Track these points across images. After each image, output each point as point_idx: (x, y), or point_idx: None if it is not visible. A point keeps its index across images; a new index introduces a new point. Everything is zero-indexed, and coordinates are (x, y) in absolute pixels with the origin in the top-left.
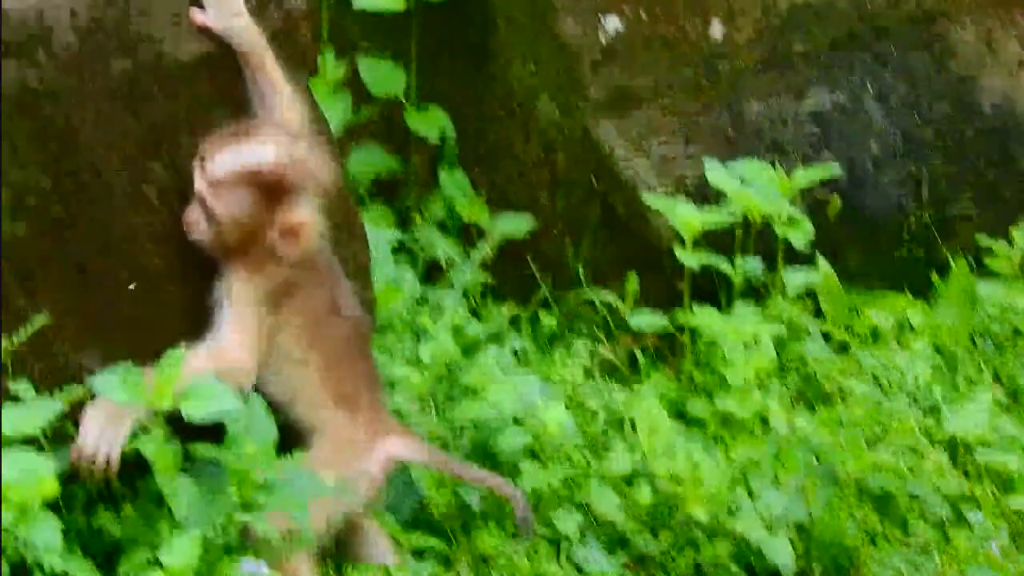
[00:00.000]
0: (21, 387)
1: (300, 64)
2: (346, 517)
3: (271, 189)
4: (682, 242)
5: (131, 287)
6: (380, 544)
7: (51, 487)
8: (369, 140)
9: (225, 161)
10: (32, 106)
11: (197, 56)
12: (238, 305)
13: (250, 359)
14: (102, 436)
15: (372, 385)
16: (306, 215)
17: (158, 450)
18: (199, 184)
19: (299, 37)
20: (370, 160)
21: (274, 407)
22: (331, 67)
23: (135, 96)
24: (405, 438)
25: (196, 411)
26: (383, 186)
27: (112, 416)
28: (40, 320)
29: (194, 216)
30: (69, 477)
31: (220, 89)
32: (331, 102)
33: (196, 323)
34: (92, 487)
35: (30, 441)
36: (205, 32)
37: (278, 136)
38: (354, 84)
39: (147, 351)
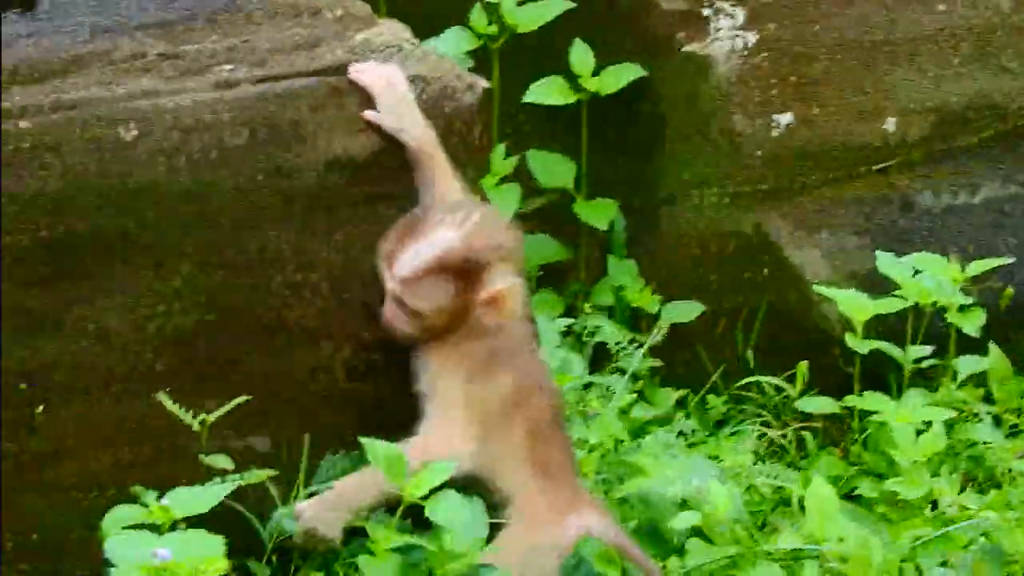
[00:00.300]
0: (218, 461)
1: (471, 158)
2: None
3: (464, 271)
4: (852, 329)
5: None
6: None
7: (221, 566)
8: (539, 230)
9: (411, 257)
10: (201, 199)
11: (369, 152)
12: (446, 395)
13: (461, 448)
14: (324, 517)
15: (569, 457)
16: (505, 282)
17: (381, 531)
18: (391, 284)
19: (470, 132)
20: (539, 249)
21: (472, 479)
22: (501, 159)
23: (300, 191)
24: (598, 512)
25: (437, 514)
26: (552, 274)
27: (335, 501)
28: (237, 401)
29: (393, 313)
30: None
31: (391, 184)
32: (501, 193)
33: (361, 411)
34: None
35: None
36: (376, 129)
37: (455, 218)
38: (524, 175)
39: (318, 437)
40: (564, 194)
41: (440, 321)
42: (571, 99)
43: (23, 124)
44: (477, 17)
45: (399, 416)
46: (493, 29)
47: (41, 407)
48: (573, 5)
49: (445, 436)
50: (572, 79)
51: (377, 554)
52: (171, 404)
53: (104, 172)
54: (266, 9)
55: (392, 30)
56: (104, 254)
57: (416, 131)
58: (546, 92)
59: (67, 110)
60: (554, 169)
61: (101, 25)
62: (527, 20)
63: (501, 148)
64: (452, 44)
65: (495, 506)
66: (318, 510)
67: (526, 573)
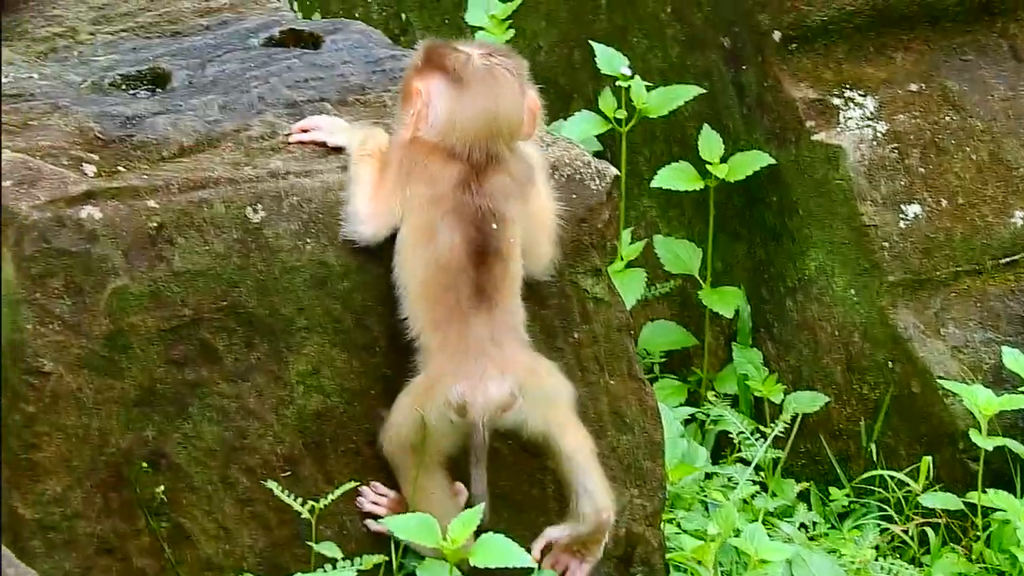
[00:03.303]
0: (326, 549)
1: (600, 244)
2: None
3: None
4: (977, 425)
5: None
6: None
7: None
8: (663, 316)
9: None
10: (328, 282)
11: None
12: None
13: None
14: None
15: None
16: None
17: None
18: None
19: (598, 218)
20: (663, 335)
21: None
22: (627, 244)
23: None
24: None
25: (485, 562)
26: (676, 361)
27: None
28: (347, 486)
29: None
30: None
31: None
32: (626, 278)
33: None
34: None
35: None
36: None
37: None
38: (650, 260)
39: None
40: (690, 280)
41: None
42: (698, 185)
43: (152, 203)
44: (606, 101)
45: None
46: (622, 113)
47: (162, 488)
48: (703, 91)
49: None
50: (700, 165)
51: None
52: (280, 491)
53: (231, 253)
54: (393, 92)
55: None
56: (230, 336)
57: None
58: (674, 178)
59: (196, 190)
60: (680, 255)
61: (232, 105)
62: (657, 105)
63: (627, 233)
64: (581, 128)
65: None
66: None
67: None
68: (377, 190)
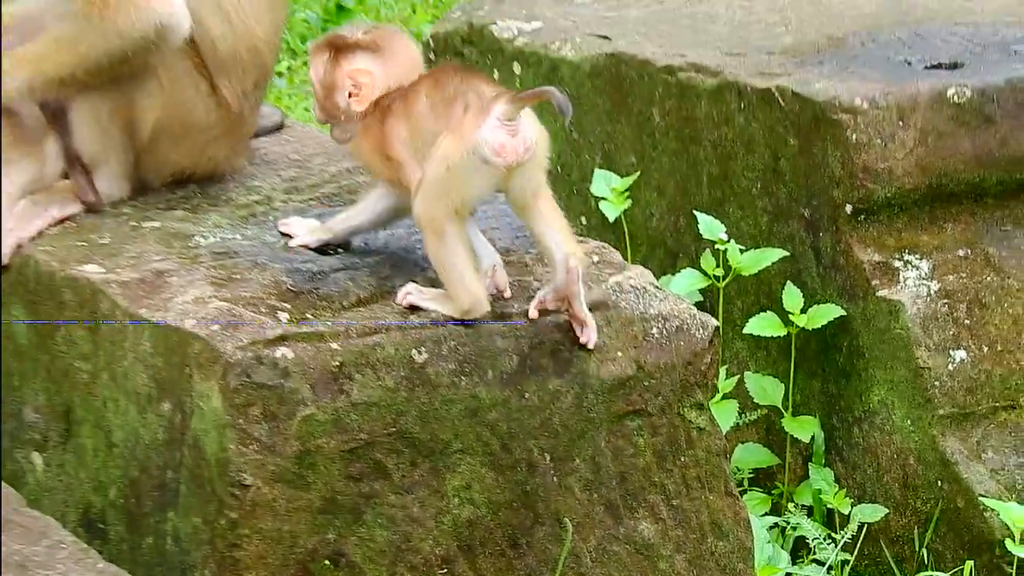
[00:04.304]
0: None
1: (702, 383)
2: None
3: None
4: (1012, 536)
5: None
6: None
7: None
8: (752, 439)
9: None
10: (478, 412)
11: (616, 375)
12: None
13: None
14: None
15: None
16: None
17: None
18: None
19: (701, 361)
20: (752, 455)
21: None
22: (723, 381)
23: (559, 409)
24: (512, 94)
25: None
26: (762, 477)
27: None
28: None
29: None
30: None
31: (639, 402)
32: (722, 408)
33: None
34: None
35: None
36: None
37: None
38: (742, 394)
39: None
40: (774, 410)
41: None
42: (782, 332)
43: (334, 346)
44: (707, 261)
45: None
46: (720, 271)
47: None
48: (786, 254)
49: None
50: (783, 315)
51: None
52: None
53: (400, 387)
54: (534, 254)
55: (640, 274)
56: (398, 456)
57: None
58: (762, 325)
59: (371, 335)
60: (767, 389)
61: (400, 264)
62: (748, 265)
63: (723, 371)
64: (686, 284)
65: None
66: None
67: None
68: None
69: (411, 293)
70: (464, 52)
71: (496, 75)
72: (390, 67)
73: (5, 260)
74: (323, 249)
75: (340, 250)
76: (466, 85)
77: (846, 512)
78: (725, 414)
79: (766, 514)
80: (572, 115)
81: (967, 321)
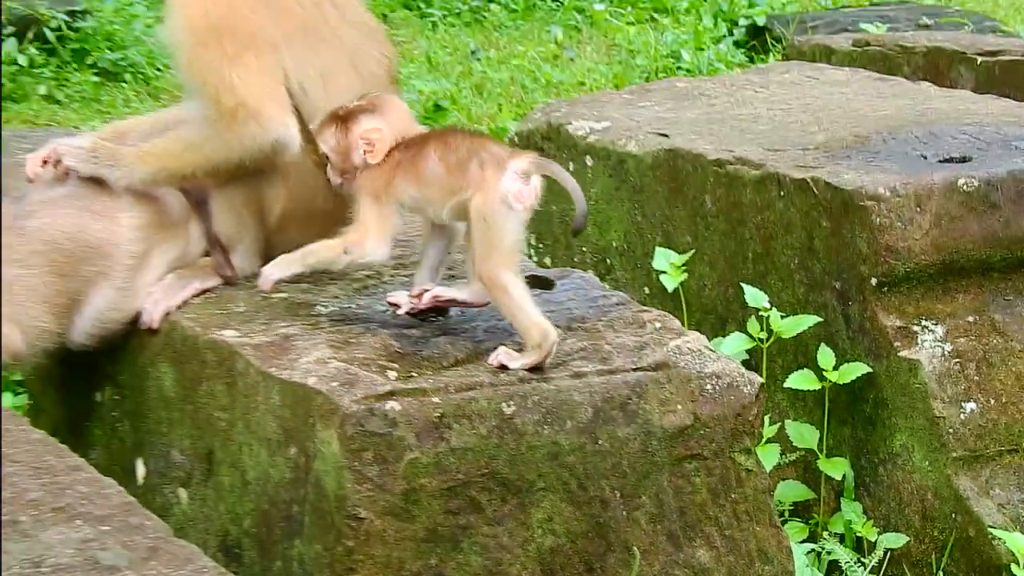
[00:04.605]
0: None
1: (750, 431)
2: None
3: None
4: (1017, 562)
5: None
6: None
7: None
8: (792, 477)
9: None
10: (559, 456)
11: (678, 425)
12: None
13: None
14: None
15: (478, 139)
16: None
17: None
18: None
19: (749, 413)
20: (792, 491)
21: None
22: (767, 428)
23: (627, 454)
24: (527, 155)
25: None
26: (800, 510)
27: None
28: None
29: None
30: None
31: (696, 448)
32: (766, 452)
33: None
34: None
35: None
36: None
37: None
38: (783, 438)
39: None
40: (810, 452)
41: (342, 163)
42: (817, 386)
43: (435, 399)
44: (752, 326)
45: None
46: (763, 335)
47: None
48: (820, 320)
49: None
50: (818, 372)
51: None
52: None
53: (491, 435)
54: (605, 321)
55: (696, 339)
56: (490, 494)
57: None
58: (800, 380)
59: (467, 391)
60: (804, 435)
61: (491, 330)
62: (788, 328)
63: (767, 419)
64: (734, 346)
65: None
66: (278, 263)
67: (491, 223)
68: (375, 223)
69: (501, 355)
70: (543, 147)
71: (571, 166)
72: (392, 121)
73: (155, 325)
74: (425, 317)
75: (440, 318)
76: (477, 146)
77: (873, 540)
78: (769, 456)
79: (804, 541)
80: (576, 187)
81: (976, 377)
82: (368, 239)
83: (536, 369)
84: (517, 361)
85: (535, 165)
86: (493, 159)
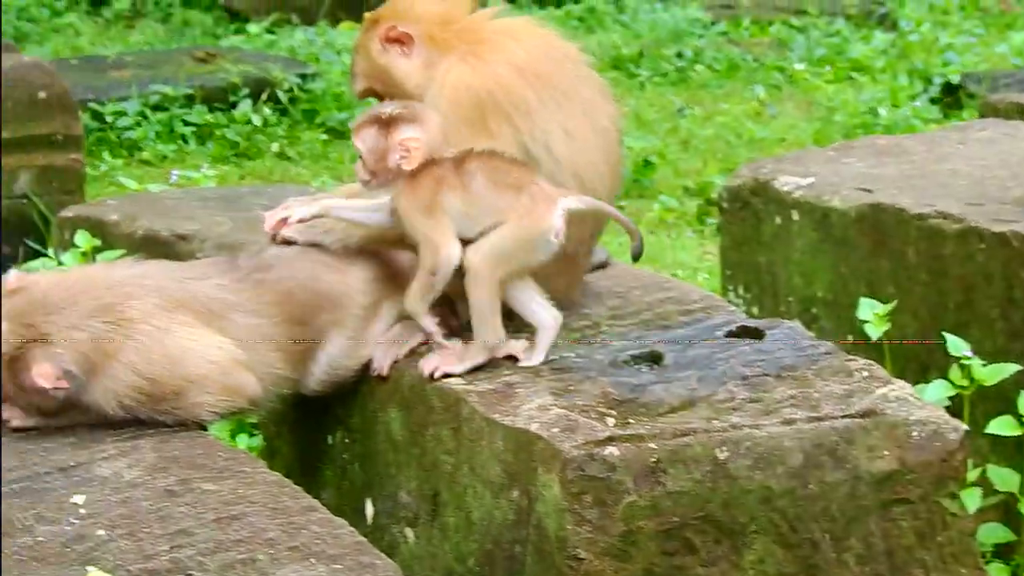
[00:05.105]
0: None
1: (954, 476)
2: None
3: (382, 121)
4: None
5: None
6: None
7: None
8: (993, 519)
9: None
10: (771, 500)
11: (886, 470)
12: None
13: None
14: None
15: (525, 170)
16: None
17: None
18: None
19: (954, 458)
20: (993, 533)
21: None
22: (970, 472)
23: (835, 498)
24: (575, 194)
25: None
26: (1002, 552)
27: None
28: None
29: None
30: None
31: (904, 492)
32: (969, 495)
33: None
34: None
35: None
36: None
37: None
38: (984, 483)
39: None
40: (1011, 495)
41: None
42: (1018, 432)
43: (652, 445)
44: (954, 374)
45: None
46: (965, 382)
47: None
48: (1020, 368)
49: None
50: (1018, 417)
51: None
52: None
53: (705, 479)
54: (814, 370)
55: (901, 387)
56: (704, 536)
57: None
58: (1001, 426)
59: (682, 437)
60: (1005, 478)
61: (704, 378)
62: (988, 376)
63: (969, 463)
64: (938, 393)
65: None
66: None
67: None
68: (439, 234)
69: (442, 367)
70: (751, 201)
71: (777, 220)
72: (429, 133)
73: (385, 372)
74: (641, 364)
75: (656, 366)
76: (526, 178)
77: None
78: (971, 499)
79: None
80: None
81: None
82: (442, 250)
83: (479, 368)
84: (460, 366)
85: (586, 204)
86: (544, 195)
